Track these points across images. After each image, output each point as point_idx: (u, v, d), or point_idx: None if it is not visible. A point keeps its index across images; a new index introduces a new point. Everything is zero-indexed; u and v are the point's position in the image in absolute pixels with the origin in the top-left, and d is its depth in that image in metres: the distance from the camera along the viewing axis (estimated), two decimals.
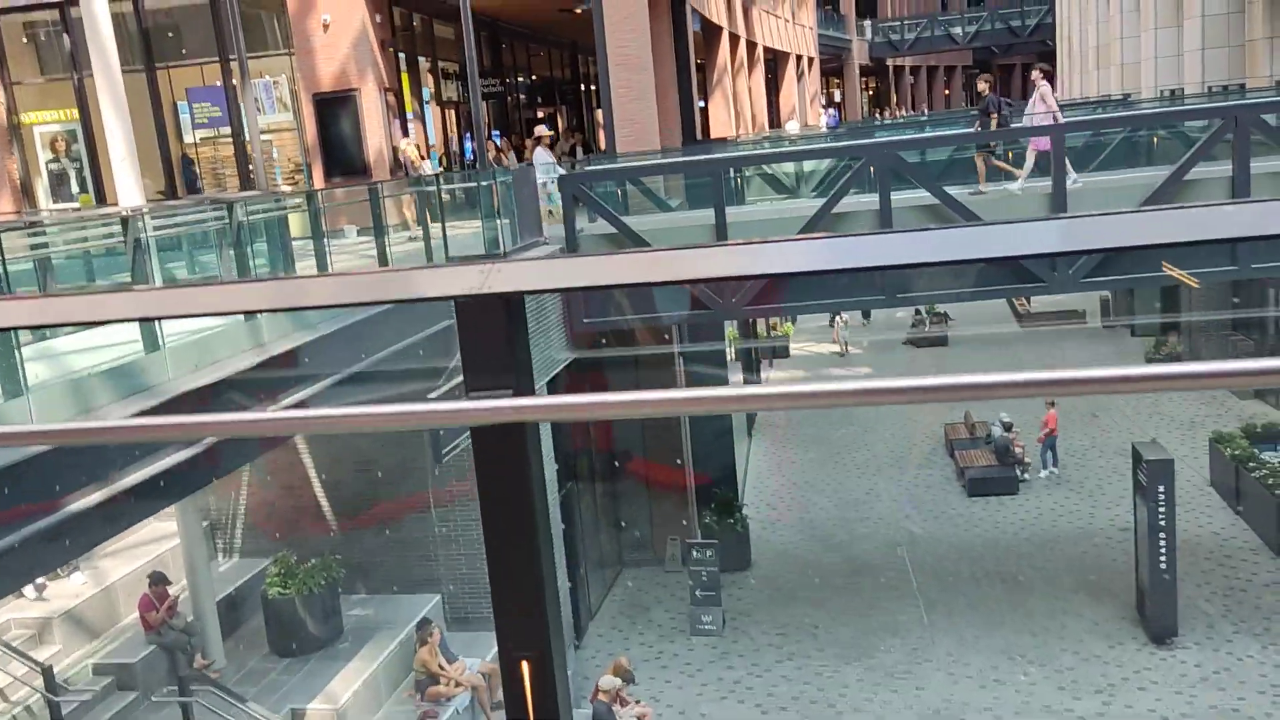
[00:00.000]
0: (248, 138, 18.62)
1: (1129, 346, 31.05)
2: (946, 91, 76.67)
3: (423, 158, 19.92)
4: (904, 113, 63.27)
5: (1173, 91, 28.42)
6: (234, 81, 19.65)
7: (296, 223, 12.31)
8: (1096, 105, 32.52)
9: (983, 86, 15.24)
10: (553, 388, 13.67)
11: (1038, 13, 62.61)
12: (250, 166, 19.25)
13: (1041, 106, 14.71)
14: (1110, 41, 37.39)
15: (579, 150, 26.90)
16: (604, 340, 16.03)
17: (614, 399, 1.66)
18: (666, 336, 17.42)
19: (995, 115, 14.60)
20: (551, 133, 23.51)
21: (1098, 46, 39.91)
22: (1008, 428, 21.75)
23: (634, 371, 18.08)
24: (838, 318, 32.97)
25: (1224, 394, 25.65)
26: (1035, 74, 15.59)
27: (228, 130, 20.98)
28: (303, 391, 9.30)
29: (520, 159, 22.03)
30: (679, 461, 18.54)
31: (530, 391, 2.12)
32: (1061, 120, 14.82)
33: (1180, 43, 28.41)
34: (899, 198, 13.42)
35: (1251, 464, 17.91)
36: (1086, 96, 39.43)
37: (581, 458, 17.91)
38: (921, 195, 13.59)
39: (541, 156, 18.29)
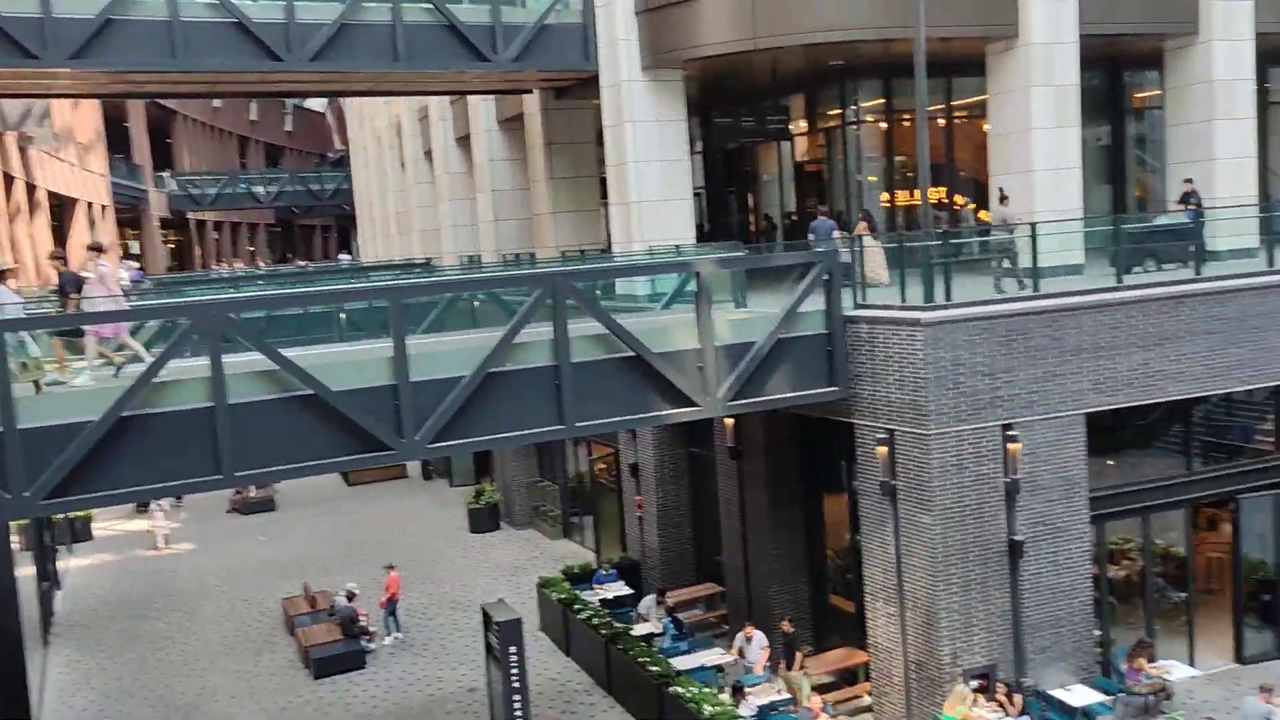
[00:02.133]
0: None
1: (450, 496, 32.29)
2: (250, 248, 75.78)
3: None
4: (241, 266, 61.46)
5: (472, 258, 30.82)
6: None
7: None
8: (400, 269, 34.15)
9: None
10: None
11: (335, 179, 65.28)
12: None
13: (101, 290, 13.31)
14: (410, 209, 39.86)
15: None
16: None
17: None
18: None
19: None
20: None
21: (398, 213, 42.32)
22: (351, 596, 20.81)
23: None
24: None
25: (537, 535, 27.69)
26: (92, 255, 14.11)
27: None
28: None
29: None
30: None
31: None
32: (122, 299, 13.75)
33: (475, 214, 31.08)
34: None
35: (576, 606, 19.10)
36: (391, 259, 41.34)
37: None
38: None
39: None
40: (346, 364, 12.84)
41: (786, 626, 16.81)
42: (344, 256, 62.97)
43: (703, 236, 24.53)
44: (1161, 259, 17.03)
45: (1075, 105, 19.03)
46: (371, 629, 20.79)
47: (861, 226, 18.28)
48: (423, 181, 37.58)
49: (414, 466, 34.78)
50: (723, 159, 28.30)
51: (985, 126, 20.80)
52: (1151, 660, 15.56)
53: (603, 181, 21.94)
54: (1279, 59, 23.15)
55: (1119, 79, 23.73)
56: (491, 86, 24.53)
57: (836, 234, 18.22)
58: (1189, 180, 19.34)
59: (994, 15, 18.81)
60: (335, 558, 26.96)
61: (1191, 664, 16.30)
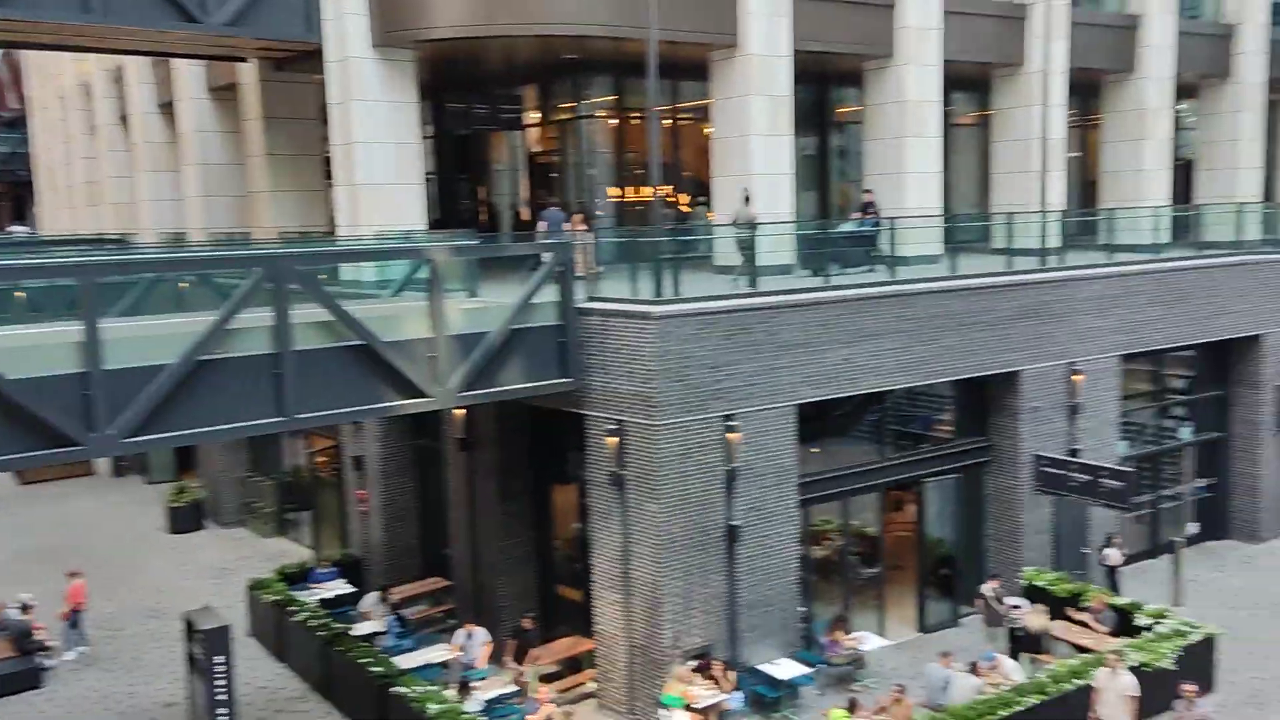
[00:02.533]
0: None
1: (146, 494, 29.84)
2: None
3: None
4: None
5: (176, 235, 28.58)
6: None
7: None
8: (90, 244, 31.10)
9: None
10: None
11: (8, 141, 58.42)
12: None
13: None
14: (101, 179, 36.36)
15: None
16: None
17: None
18: None
19: None
20: None
21: (87, 183, 38.48)
22: (26, 608, 18.72)
23: None
24: None
25: (247, 534, 26.13)
26: None
27: None
28: None
29: None
30: None
31: None
32: None
33: (179, 188, 28.81)
34: None
35: (291, 607, 18.18)
36: (78, 234, 37.56)
37: None
38: None
39: None
40: (24, 348, 11.52)
41: (528, 623, 16.80)
42: (18, 228, 56.54)
43: (434, 223, 24.03)
44: (847, 263, 18.30)
45: (789, 115, 20.27)
46: (50, 644, 18.80)
47: (576, 220, 18.59)
48: (117, 150, 34.33)
49: (104, 462, 31.81)
50: (456, 145, 27.84)
51: (707, 130, 21.72)
52: (847, 633, 16.91)
53: (327, 161, 20.94)
54: (961, 85, 25.70)
55: (825, 94, 25.50)
56: (200, 50, 22.75)
57: (567, 226, 18.42)
58: (869, 191, 21.10)
59: (717, 24, 19.68)
60: (5, 566, 24.20)
61: (882, 634, 17.83)
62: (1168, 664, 15.17)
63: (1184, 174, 29.93)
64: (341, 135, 19.41)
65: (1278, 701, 15.76)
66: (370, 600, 18.74)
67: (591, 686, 16.47)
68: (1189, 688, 13.57)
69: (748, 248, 17.07)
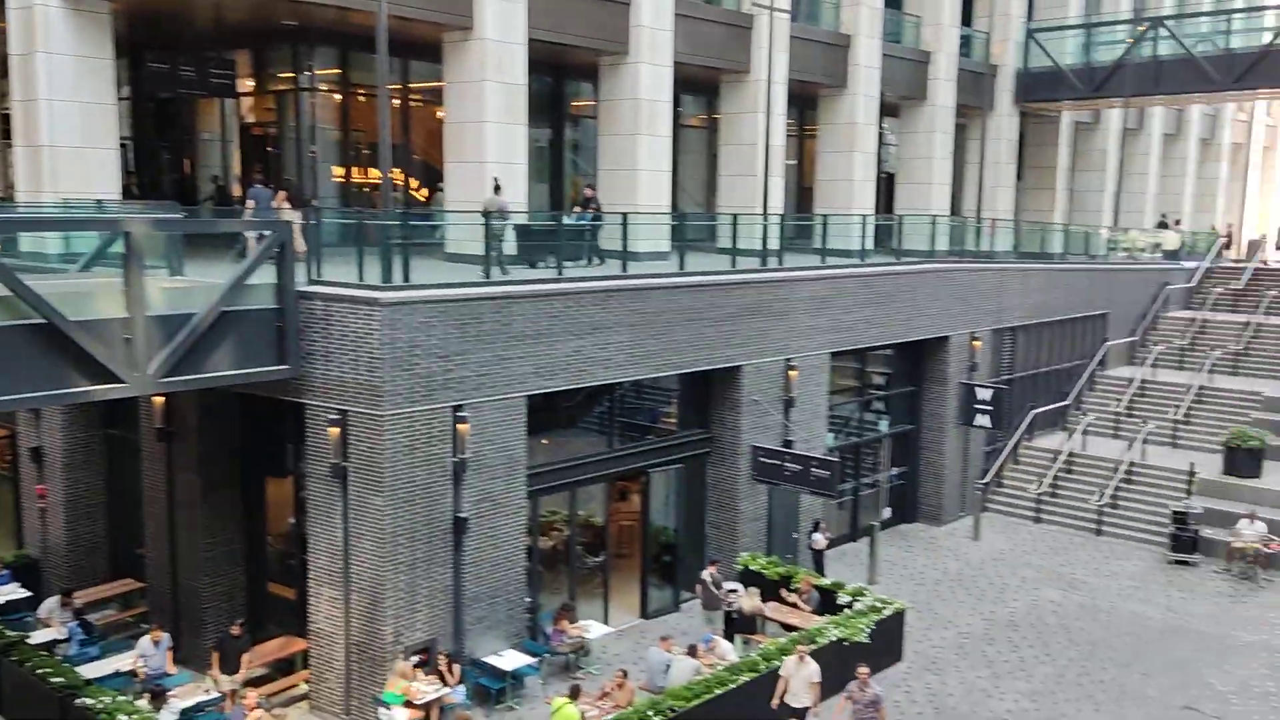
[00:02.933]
0: None
1: None
2: None
3: None
4: None
5: None
6: None
7: None
8: None
9: None
10: None
11: None
12: None
13: None
14: None
15: None
16: None
17: None
18: None
19: None
20: None
21: None
22: None
23: None
24: None
25: None
26: None
27: None
28: None
29: None
30: None
31: None
32: None
33: None
34: None
35: None
36: None
37: None
38: None
39: None
40: None
41: (236, 630, 15.64)
42: None
43: (131, 194, 21.94)
44: (565, 257, 17.59)
45: (523, 104, 20.10)
46: None
47: (280, 197, 17.61)
48: None
49: None
50: (157, 110, 25.60)
51: (440, 114, 21.16)
52: (573, 621, 17.01)
53: (5, 119, 18.61)
54: (691, 88, 26.51)
55: (561, 86, 25.55)
56: None
57: (274, 204, 17.35)
58: (591, 187, 21.18)
59: (450, 4, 19.18)
60: None
61: (606, 622, 18.08)
62: (863, 638, 16.31)
63: (888, 186, 32.46)
64: (23, 90, 17.31)
65: (953, 666, 17.35)
66: (49, 605, 16.91)
67: (304, 689, 15.63)
68: (862, 670, 13.96)
69: (498, 237, 16.72)
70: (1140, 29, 32.70)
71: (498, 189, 18.58)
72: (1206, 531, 22.81)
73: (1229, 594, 21.04)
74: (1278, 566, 21.97)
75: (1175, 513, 23.03)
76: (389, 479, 14.06)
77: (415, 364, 14.11)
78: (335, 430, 14.24)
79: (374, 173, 22.46)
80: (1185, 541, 22.67)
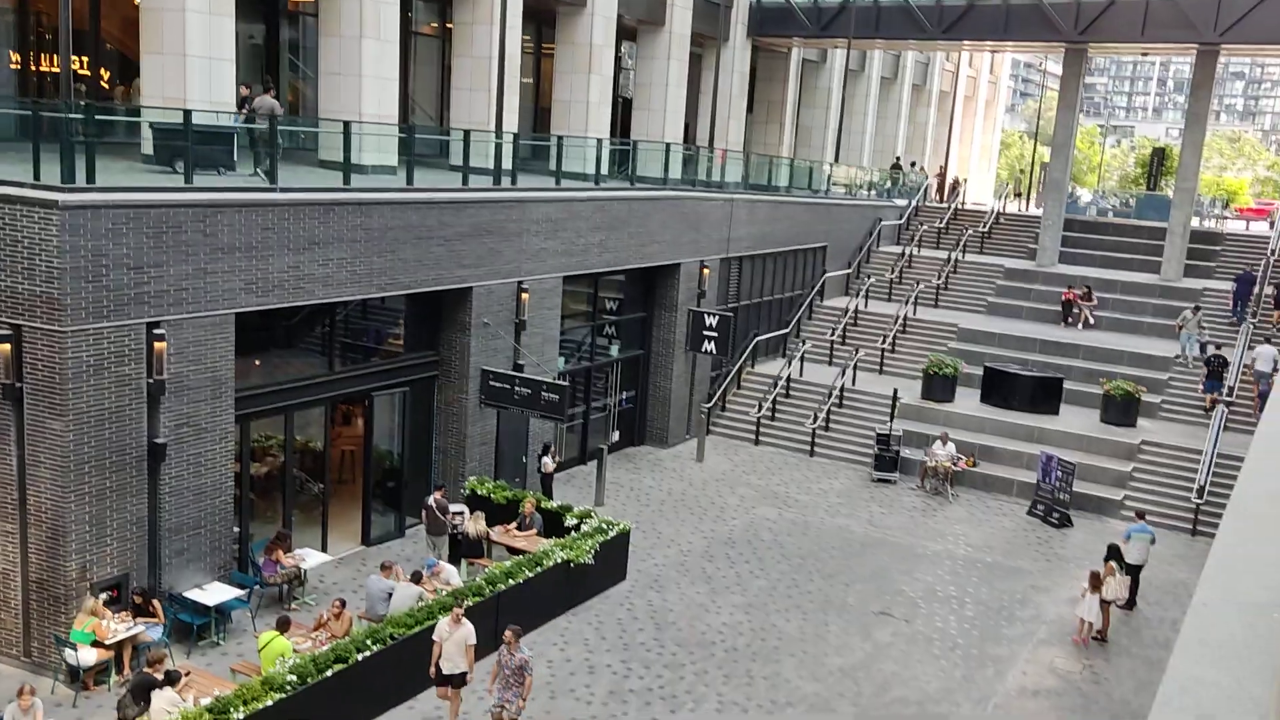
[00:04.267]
0: None
1: None
2: None
3: None
4: None
5: None
6: None
7: None
8: None
9: None
10: None
11: None
12: None
13: None
14: None
15: None
16: None
17: None
18: None
19: None
20: None
21: None
22: None
23: None
24: None
25: None
26: None
27: None
28: None
29: None
30: None
31: None
32: None
33: None
34: None
35: None
36: None
37: None
38: None
39: None
40: None
41: None
42: None
43: None
44: (205, 163, 15.51)
45: None
46: None
47: None
48: None
49: None
50: None
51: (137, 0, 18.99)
52: (288, 551, 16.19)
53: None
54: None
55: None
56: None
57: None
58: (247, 85, 18.73)
59: None
60: None
61: (325, 550, 17.36)
62: (589, 559, 16.52)
63: (625, 111, 32.48)
64: None
65: (673, 583, 17.96)
66: None
67: None
68: (508, 633, 12.56)
69: (266, 141, 15.03)
70: None
71: (266, 88, 16.99)
72: (906, 452, 24.76)
73: (921, 508, 22.98)
74: (964, 483, 24.21)
75: (879, 435, 24.82)
76: (71, 402, 12.67)
77: (102, 275, 12.70)
78: (6, 347, 12.64)
79: (58, 61, 19.91)
80: (887, 461, 24.52)
